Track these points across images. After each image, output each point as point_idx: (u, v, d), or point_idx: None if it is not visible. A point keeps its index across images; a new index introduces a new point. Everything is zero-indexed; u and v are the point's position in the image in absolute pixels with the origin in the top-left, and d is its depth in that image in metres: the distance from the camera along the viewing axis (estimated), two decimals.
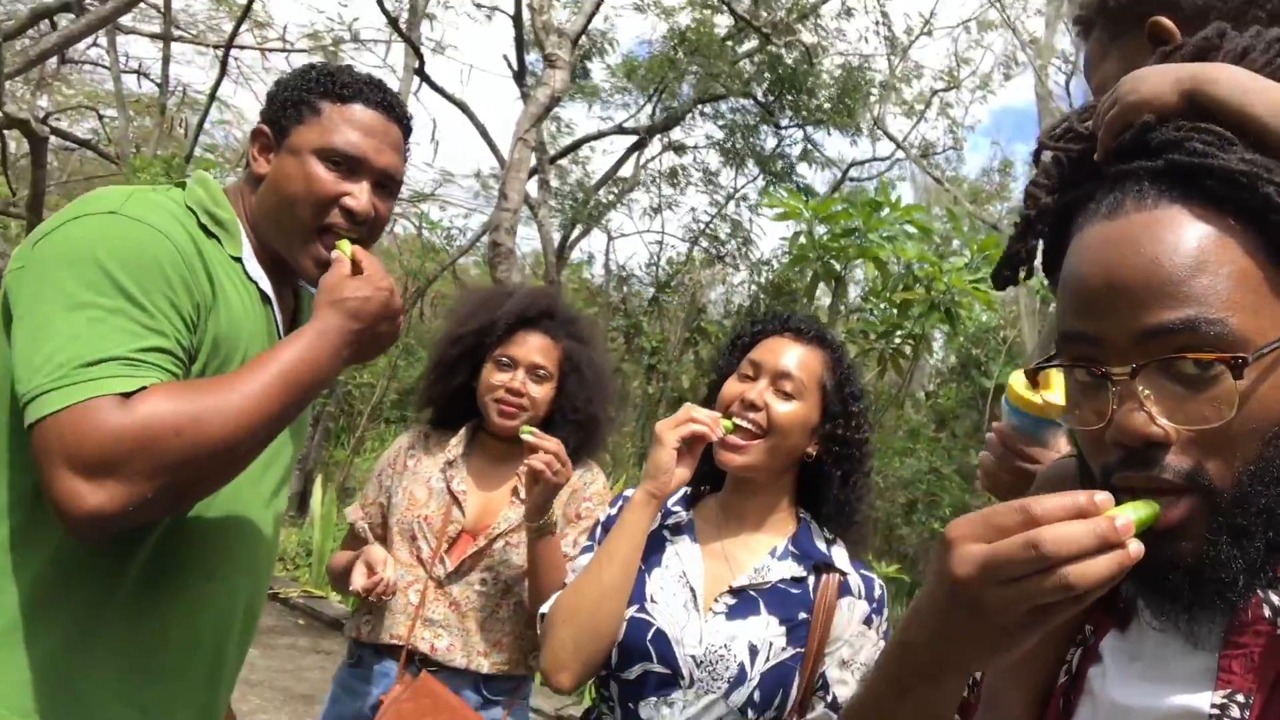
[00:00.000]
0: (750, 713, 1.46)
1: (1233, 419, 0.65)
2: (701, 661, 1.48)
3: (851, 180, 13.49)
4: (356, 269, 1.32)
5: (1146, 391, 0.67)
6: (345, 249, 1.34)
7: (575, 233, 10.50)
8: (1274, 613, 0.68)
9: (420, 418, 2.39)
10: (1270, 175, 0.67)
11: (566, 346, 2.16)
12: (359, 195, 1.37)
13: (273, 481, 1.44)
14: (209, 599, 1.33)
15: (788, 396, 1.56)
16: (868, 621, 1.53)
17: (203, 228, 1.33)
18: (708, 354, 9.35)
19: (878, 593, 1.57)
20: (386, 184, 1.43)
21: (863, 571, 1.60)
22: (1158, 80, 0.76)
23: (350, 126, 1.38)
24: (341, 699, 2.13)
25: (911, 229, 5.65)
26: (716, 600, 1.53)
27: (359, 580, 1.99)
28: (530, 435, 1.90)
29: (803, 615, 1.51)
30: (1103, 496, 0.62)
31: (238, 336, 1.30)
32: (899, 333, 5.80)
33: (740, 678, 1.46)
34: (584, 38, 8.32)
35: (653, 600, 1.52)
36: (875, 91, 10.32)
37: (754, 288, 10.54)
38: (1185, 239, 0.67)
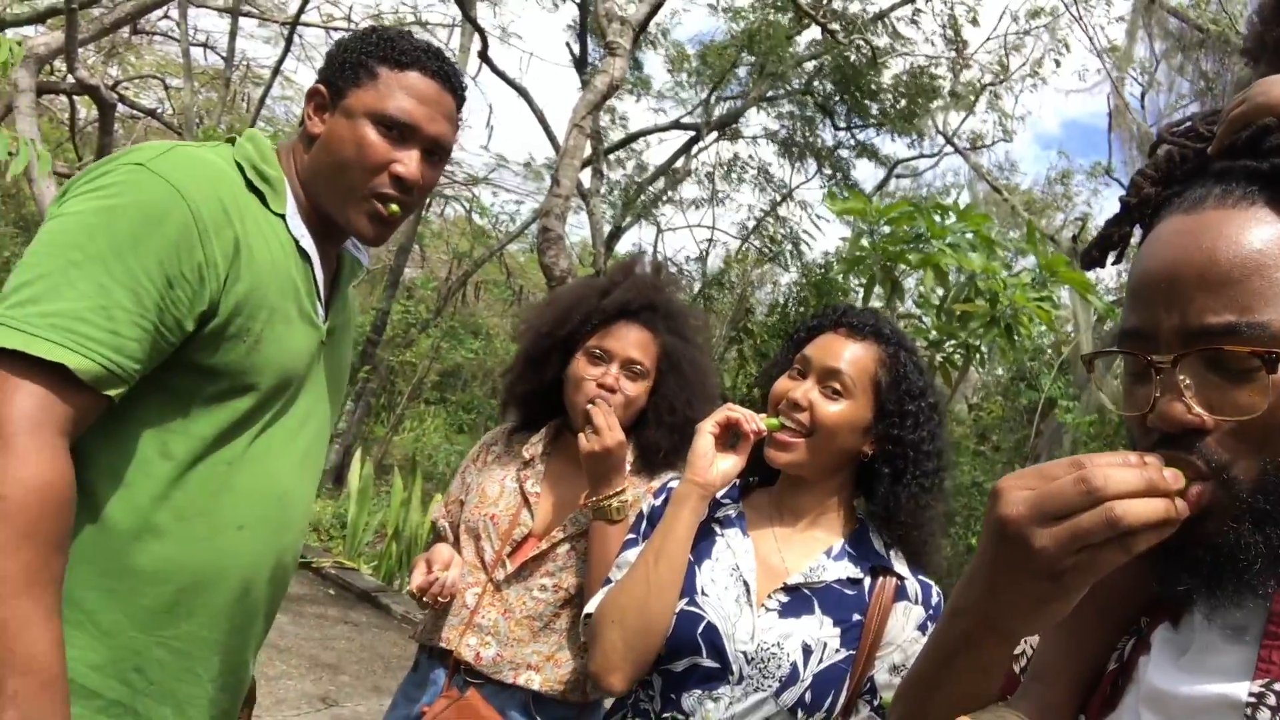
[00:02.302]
0: (800, 713, 1.42)
1: (1268, 411, 0.68)
2: (753, 658, 1.44)
3: (898, 176, 13.34)
4: None
5: (1187, 381, 0.70)
6: None
7: (625, 223, 10.48)
8: None
9: (506, 417, 2.21)
10: None
11: (667, 342, 1.96)
12: (408, 163, 1.39)
13: (308, 438, 1.44)
14: (239, 548, 1.33)
15: (835, 395, 1.51)
16: (923, 628, 1.48)
17: (248, 183, 1.34)
18: (751, 354, 9.27)
19: (935, 600, 1.52)
20: (436, 152, 1.44)
21: (921, 577, 1.54)
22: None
23: (405, 93, 1.39)
24: (399, 704, 1.99)
25: (974, 237, 5.48)
26: (770, 597, 1.49)
27: (416, 579, 1.85)
28: (593, 408, 1.80)
29: (856, 617, 1.47)
30: (1152, 458, 0.67)
31: (264, 295, 1.30)
32: (951, 342, 5.66)
33: (792, 677, 1.42)
34: (647, 29, 8.29)
35: (703, 593, 1.48)
36: (942, 99, 10.14)
37: (800, 290, 10.44)
38: (1250, 238, 0.70)
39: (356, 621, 5.98)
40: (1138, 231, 0.88)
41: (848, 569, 1.51)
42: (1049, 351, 10.00)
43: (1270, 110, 0.76)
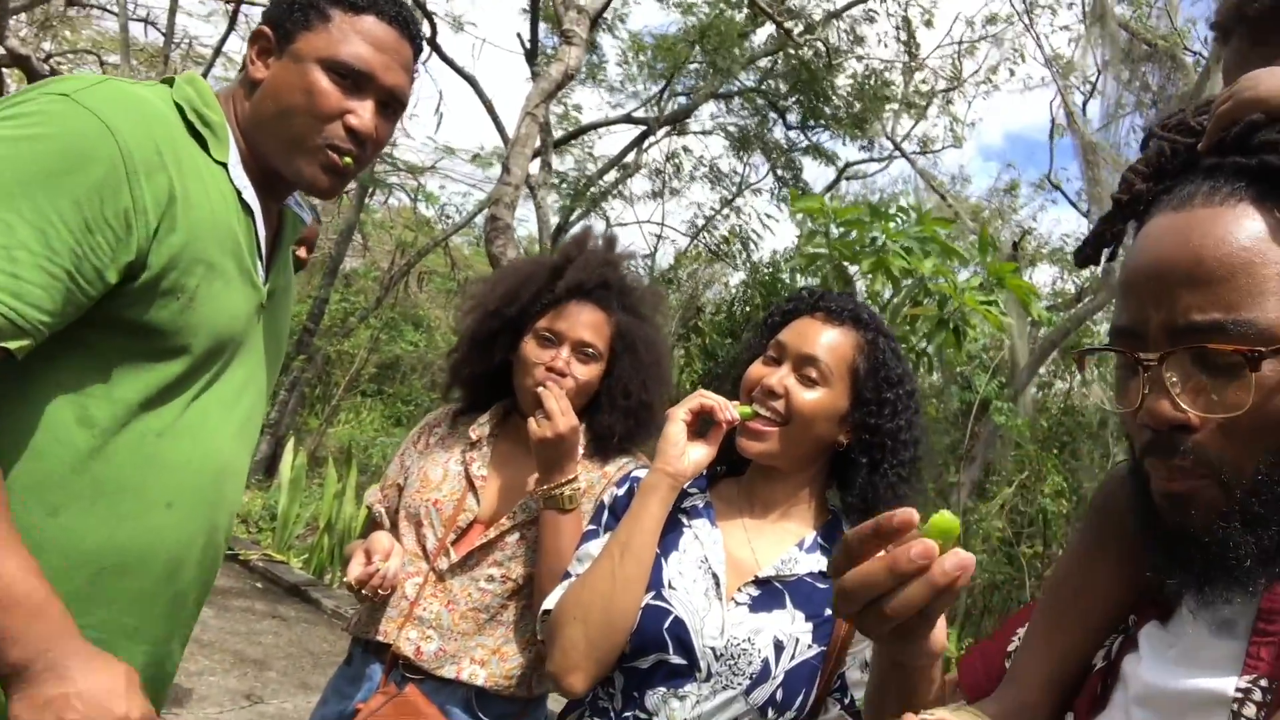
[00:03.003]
0: (770, 712, 1.34)
1: (1254, 409, 0.69)
2: (722, 654, 1.36)
3: (848, 178, 13.48)
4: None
5: (1174, 378, 0.71)
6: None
7: (573, 216, 10.36)
8: None
9: (450, 398, 2.09)
10: None
11: (621, 322, 1.86)
12: (363, 114, 1.29)
13: (244, 408, 1.33)
14: (167, 527, 1.22)
15: (812, 383, 1.44)
16: None
17: (189, 125, 1.22)
18: (699, 352, 9.24)
19: None
20: (391, 104, 1.33)
21: None
22: (1277, 81, 0.78)
23: (361, 39, 1.28)
24: (329, 700, 1.86)
25: (926, 241, 5.51)
26: (740, 590, 1.42)
27: (355, 570, 1.70)
28: (544, 390, 1.71)
29: (828, 612, 1.40)
30: (902, 517, 0.74)
31: (202, 249, 1.18)
32: (901, 346, 5.69)
33: (764, 675, 1.35)
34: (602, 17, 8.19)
35: (671, 586, 1.40)
36: (894, 104, 10.23)
37: (748, 289, 10.45)
38: (1237, 236, 0.70)
39: (285, 616, 5.78)
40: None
41: (820, 562, 1.45)
42: (983, 355, 10.17)
43: (1257, 105, 0.77)
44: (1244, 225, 0.70)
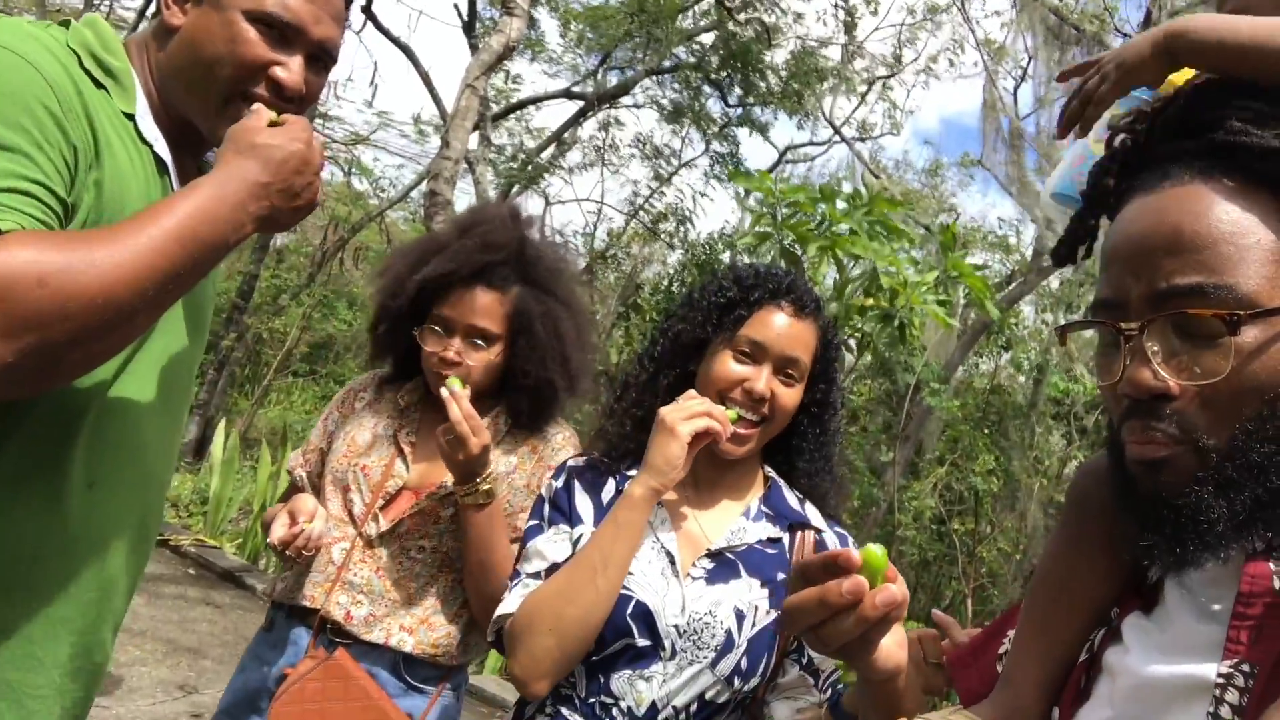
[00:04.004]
0: (736, 681, 1.35)
1: (1232, 376, 0.69)
2: (685, 631, 1.36)
3: (790, 162, 13.55)
4: (274, 125, 1.13)
5: (1154, 347, 0.72)
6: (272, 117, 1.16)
7: (512, 193, 10.21)
8: None
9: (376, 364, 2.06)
10: None
11: (519, 299, 1.82)
12: (291, 68, 1.19)
13: (169, 382, 1.24)
14: (90, 510, 1.14)
15: (792, 381, 1.47)
16: None
17: (87, 73, 1.11)
18: (638, 332, 9.22)
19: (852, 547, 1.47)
20: (322, 58, 1.24)
21: (837, 529, 1.53)
22: (1136, 49, 0.84)
23: None
24: (249, 667, 1.84)
25: (875, 224, 5.55)
26: (694, 565, 1.42)
27: (278, 531, 1.70)
28: (448, 391, 1.66)
29: (781, 575, 1.43)
30: (846, 556, 0.80)
31: (124, 200, 1.09)
32: (845, 330, 5.74)
33: (728, 645, 1.36)
34: None
35: (630, 573, 1.38)
36: (829, 80, 10.29)
37: (684, 269, 10.46)
38: (1210, 211, 0.72)
39: (219, 603, 5.62)
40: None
41: (767, 529, 1.47)
42: (917, 337, 10.37)
43: (1130, 79, 0.83)
44: (1218, 200, 0.72)
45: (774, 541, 1.46)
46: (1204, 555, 0.71)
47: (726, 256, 9.38)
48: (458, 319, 1.79)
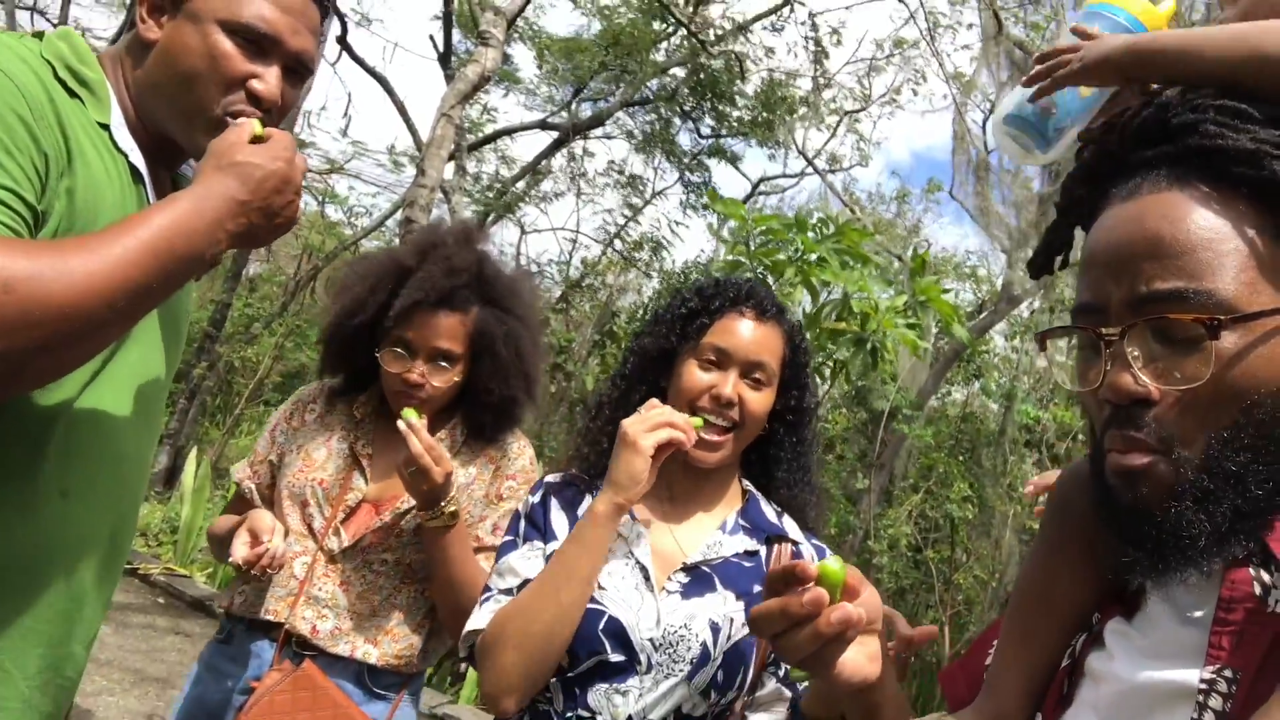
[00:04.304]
0: (713, 694, 1.35)
1: (1212, 382, 0.69)
2: (660, 644, 1.36)
3: (763, 193, 13.72)
4: (257, 141, 1.14)
5: (1135, 352, 0.72)
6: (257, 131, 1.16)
7: (487, 222, 10.25)
8: (1264, 590, 0.69)
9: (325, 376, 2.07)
10: (1277, 152, 0.71)
11: (480, 320, 1.86)
12: (269, 80, 1.21)
13: (144, 394, 1.24)
14: (63, 519, 1.12)
15: (760, 385, 1.48)
16: None
17: (61, 83, 1.11)
18: (615, 361, 9.24)
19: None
20: (298, 70, 1.26)
21: (815, 542, 1.53)
22: (1100, 54, 0.88)
23: None
24: (205, 680, 1.85)
25: (845, 253, 5.65)
26: (670, 579, 1.42)
27: (240, 550, 1.71)
28: (405, 424, 1.68)
29: (757, 588, 1.42)
30: (802, 567, 0.81)
31: (98, 209, 1.09)
32: (819, 355, 5.81)
33: (704, 658, 1.36)
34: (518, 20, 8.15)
35: (601, 587, 1.39)
36: (799, 110, 10.45)
37: (661, 297, 10.51)
38: (1189, 217, 0.72)
39: (189, 632, 5.53)
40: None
41: (744, 542, 1.47)
42: (890, 365, 10.48)
43: (1089, 79, 0.88)
44: (1195, 205, 0.72)
45: (751, 554, 1.46)
46: (1186, 569, 0.71)
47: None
48: (421, 342, 1.82)
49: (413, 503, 1.78)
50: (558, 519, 1.48)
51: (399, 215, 6.93)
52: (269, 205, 1.11)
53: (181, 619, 5.77)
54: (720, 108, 9.71)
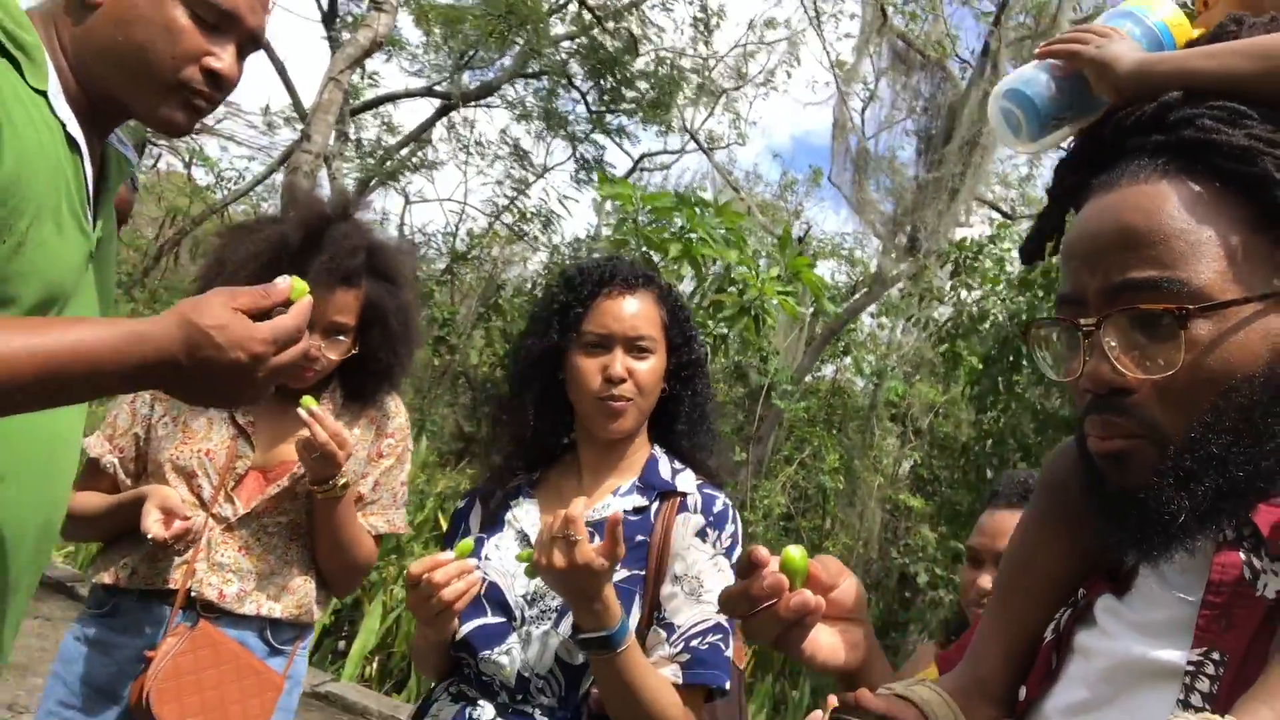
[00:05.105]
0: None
1: (1188, 369, 0.70)
2: (532, 598, 1.47)
3: (645, 169, 13.85)
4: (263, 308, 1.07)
5: (1112, 342, 0.73)
6: (300, 290, 1.11)
7: (369, 189, 9.95)
8: (1253, 574, 0.70)
9: None
10: (1271, 150, 0.71)
11: (370, 293, 1.91)
12: (225, 59, 1.18)
13: None
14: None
15: (645, 354, 1.55)
16: (701, 535, 1.51)
17: None
18: (499, 335, 9.18)
19: (717, 508, 1.55)
20: (251, 46, 1.24)
21: (706, 490, 1.58)
22: (1126, 48, 0.88)
23: None
24: (91, 658, 1.82)
25: (728, 233, 5.81)
26: None
27: (156, 528, 1.73)
28: (307, 413, 1.73)
29: (641, 538, 1.50)
30: (759, 553, 0.85)
31: (31, 185, 1.05)
32: (701, 333, 5.98)
33: (567, 605, 1.42)
34: None
35: (486, 558, 1.50)
36: (689, 88, 10.56)
37: (548, 271, 10.48)
38: (1164, 208, 0.73)
39: (49, 616, 5.24)
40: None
41: (634, 501, 1.54)
42: (766, 343, 10.81)
43: (1101, 70, 0.86)
44: (1171, 197, 0.73)
45: (640, 510, 1.53)
46: (1169, 548, 0.72)
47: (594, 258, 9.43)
48: (317, 318, 1.81)
49: (300, 468, 1.85)
50: (474, 519, 1.63)
51: (280, 180, 6.68)
52: (204, 389, 1.05)
53: (40, 603, 5.45)
54: (613, 84, 9.71)
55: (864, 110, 10.40)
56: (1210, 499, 0.70)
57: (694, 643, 1.43)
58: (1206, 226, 0.72)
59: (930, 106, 8.66)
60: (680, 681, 1.40)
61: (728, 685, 1.44)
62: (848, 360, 11.41)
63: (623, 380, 1.51)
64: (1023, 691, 0.85)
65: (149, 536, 1.73)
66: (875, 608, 9.40)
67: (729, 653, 1.45)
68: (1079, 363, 0.76)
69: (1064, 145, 0.97)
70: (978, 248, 6.72)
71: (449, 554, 1.39)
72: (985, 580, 1.46)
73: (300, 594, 1.92)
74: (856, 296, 11.23)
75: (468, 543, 1.42)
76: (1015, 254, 6.96)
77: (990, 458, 6.57)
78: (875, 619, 9.15)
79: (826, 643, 0.89)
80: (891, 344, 11.40)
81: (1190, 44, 0.90)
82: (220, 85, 1.20)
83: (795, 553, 0.85)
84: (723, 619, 1.46)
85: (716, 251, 5.66)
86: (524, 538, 1.52)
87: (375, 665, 5.64)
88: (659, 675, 1.38)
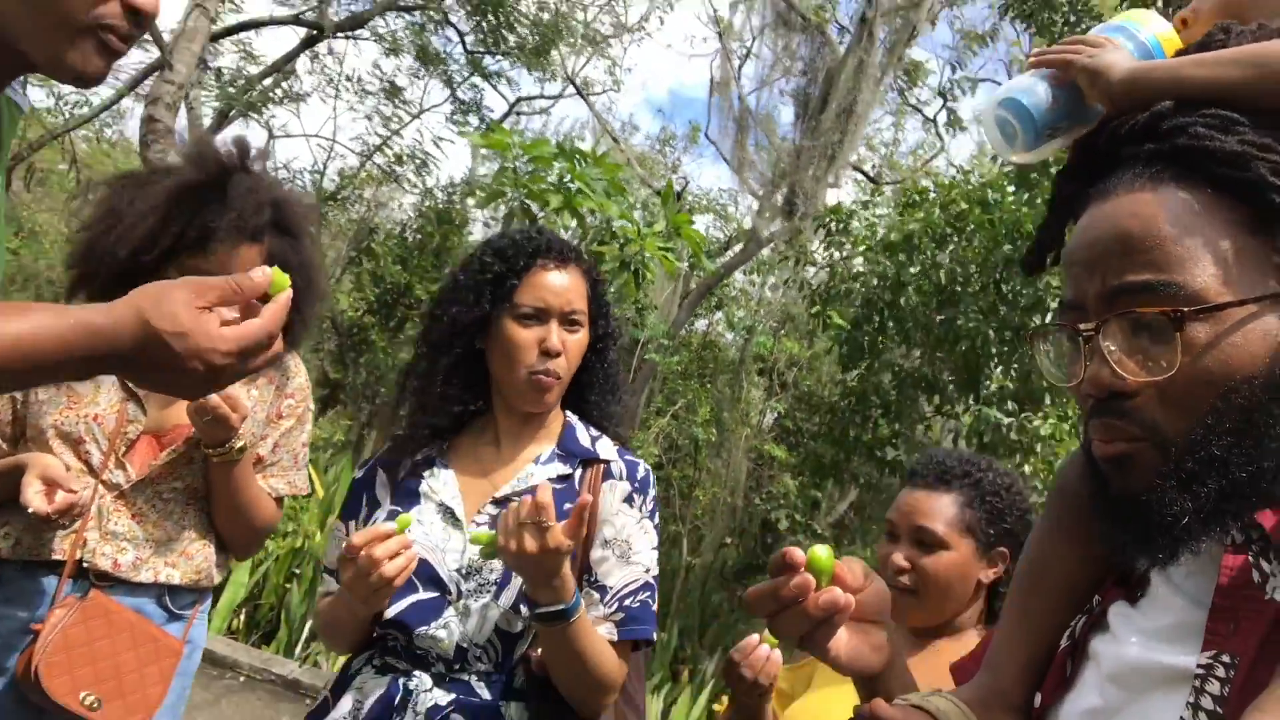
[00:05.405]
0: (523, 608, 1.44)
1: (1185, 371, 0.71)
2: (468, 572, 1.48)
3: (520, 113, 13.62)
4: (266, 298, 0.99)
5: (1111, 346, 0.74)
6: (280, 283, 1.01)
7: (230, 116, 9.38)
8: (1262, 578, 0.70)
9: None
10: (1264, 155, 0.73)
11: (277, 250, 1.84)
12: None
13: None
14: None
15: (576, 328, 1.58)
16: (629, 500, 1.56)
17: None
18: (369, 279, 8.91)
19: (641, 474, 1.60)
20: None
21: (627, 457, 1.62)
22: (1121, 57, 0.89)
23: None
24: None
25: (608, 184, 5.81)
26: (479, 512, 1.53)
27: (38, 501, 1.65)
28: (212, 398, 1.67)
29: (568, 506, 1.52)
30: (793, 554, 0.84)
31: None
32: None
33: (507, 577, 1.47)
34: None
35: (410, 533, 1.48)
36: (572, 37, 10.38)
37: (421, 216, 10.21)
38: (1160, 214, 0.74)
39: None
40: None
41: (557, 469, 1.57)
42: (643, 298, 10.93)
43: (1093, 78, 0.89)
44: (1166, 203, 0.74)
45: (564, 478, 1.55)
46: (1173, 550, 0.72)
47: (470, 203, 9.25)
48: (219, 272, 1.66)
49: (195, 433, 1.79)
50: (381, 491, 1.61)
51: (141, 113, 6.23)
52: (164, 385, 0.98)
53: None
54: (494, 26, 9.42)
55: (739, 67, 10.51)
56: (1213, 500, 0.71)
57: (627, 602, 1.50)
58: (1201, 231, 0.72)
59: (810, 70, 8.83)
60: (616, 639, 1.46)
61: (654, 636, 1.52)
62: (720, 315, 11.69)
63: (559, 353, 1.53)
64: (1038, 699, 0.86)
65: (29, 510, 1.65)
66: (737, 551, 9.81)
67: (655, 607, 1.53)
68: (1081, 368, 0.76)
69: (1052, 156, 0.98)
70: (849, 214, 6.97)
71: (389, 525, 1.38)
72: (899, 556, 1.54)
73: (199, 559, 1.88)
74: (730, 254, 11.45)
75: (407, 517, 1.41)
76: (884, 219, 7.24)
77: (854, 415, 6.90)
78: (738, 562, 9.54)
79: (852, 645, 0.89)
80: (761, 300, 11.71)
81: (1179, 53, 0.91)
82: (141, 22, 1.11)
83: (822, 552, 0.85)
84: (650, 577, 1.52)
85: (597, 204, 5.66)
86: (446, 511, 1.53)
87: (243, 617, 5.52)
88: (599, 636, 1.44)
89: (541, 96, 13.50)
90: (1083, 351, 0.76)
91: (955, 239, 6.54)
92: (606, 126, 12.44)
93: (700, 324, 12.55)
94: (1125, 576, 0.83)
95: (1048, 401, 6.41)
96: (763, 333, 10.68)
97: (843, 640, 0.88)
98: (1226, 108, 0.77)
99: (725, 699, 1.65)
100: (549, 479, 1.54)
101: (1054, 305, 6.37)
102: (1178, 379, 0.71)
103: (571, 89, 12.48)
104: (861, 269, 7.07)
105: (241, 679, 4.55)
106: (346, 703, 1.48)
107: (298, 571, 5.60)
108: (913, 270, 6.42)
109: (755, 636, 1.48)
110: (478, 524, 1.50)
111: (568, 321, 1.56)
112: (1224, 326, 0.71)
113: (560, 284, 1.56)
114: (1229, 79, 0.79)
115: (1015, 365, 6.53)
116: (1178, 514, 0.71)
